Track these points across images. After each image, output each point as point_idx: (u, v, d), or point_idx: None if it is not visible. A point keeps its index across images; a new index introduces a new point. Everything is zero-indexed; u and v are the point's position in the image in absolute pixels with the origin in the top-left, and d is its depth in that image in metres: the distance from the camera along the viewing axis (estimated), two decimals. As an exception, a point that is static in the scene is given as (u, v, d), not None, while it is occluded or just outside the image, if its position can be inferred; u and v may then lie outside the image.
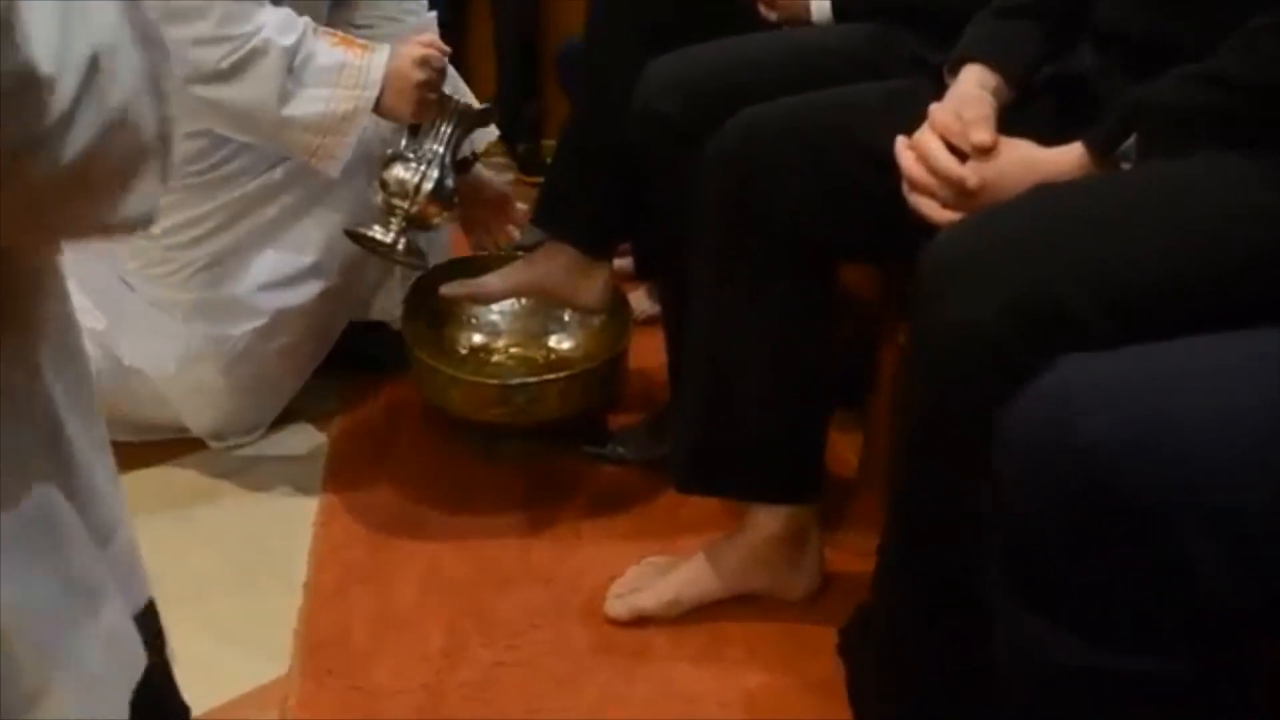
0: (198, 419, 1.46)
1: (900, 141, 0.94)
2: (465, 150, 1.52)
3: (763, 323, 1.09)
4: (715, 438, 1.15)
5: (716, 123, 1.12)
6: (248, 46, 1.22)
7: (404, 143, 1.35)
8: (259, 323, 1.41)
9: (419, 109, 1.32)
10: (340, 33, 1.34)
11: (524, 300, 1.61)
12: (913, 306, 0.77)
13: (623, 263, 1.75)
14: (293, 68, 1.25)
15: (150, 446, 1.47)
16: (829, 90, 1.11)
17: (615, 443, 1.51)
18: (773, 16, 1.39)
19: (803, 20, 1.37)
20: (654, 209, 1.31)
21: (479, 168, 1.55)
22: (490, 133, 1.74)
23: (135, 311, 1.39)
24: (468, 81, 1.83)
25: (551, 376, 1.36)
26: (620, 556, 1.29)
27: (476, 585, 1.25)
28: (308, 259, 1.43)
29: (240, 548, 1.31)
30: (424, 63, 1.32)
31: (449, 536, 1.33)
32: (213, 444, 1.48)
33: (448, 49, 1.40)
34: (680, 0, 1.40)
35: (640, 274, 1.94)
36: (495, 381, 1.35)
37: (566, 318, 1.63)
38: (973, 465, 0.63)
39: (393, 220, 1.33)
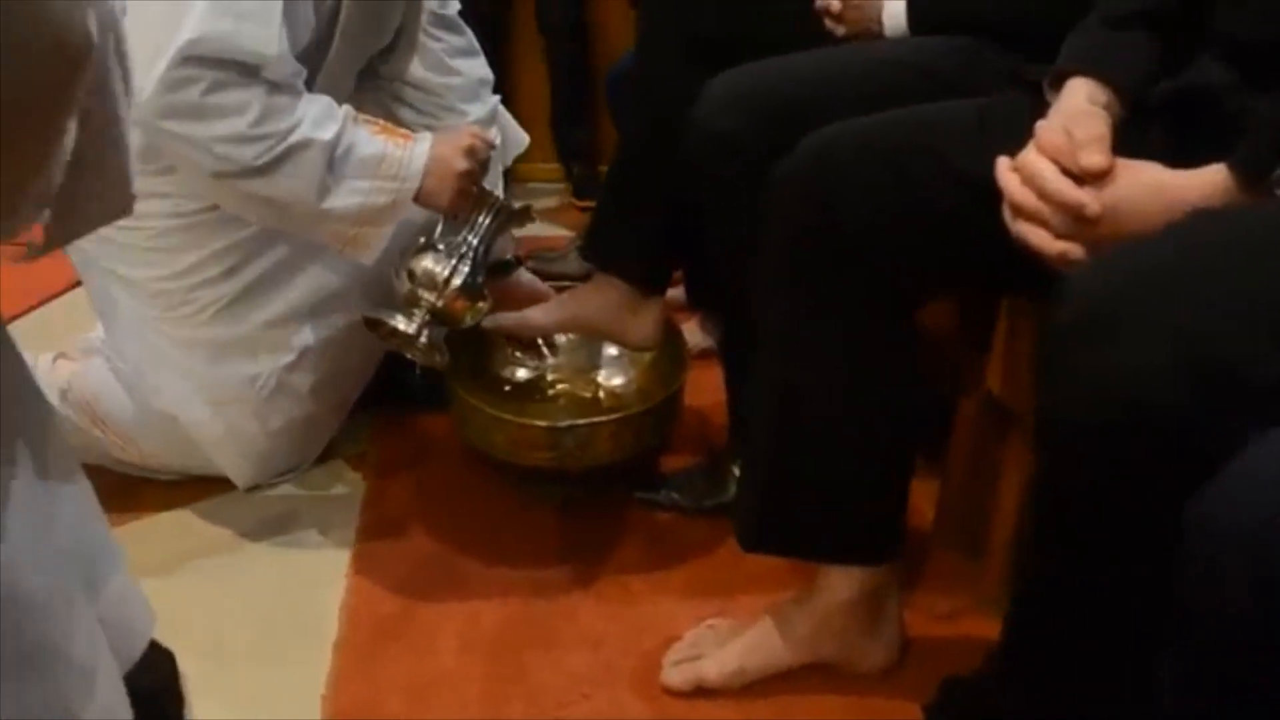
0: (233, 466, 1.37)
1: (1002, 163, 0.83)
2: (507, 251, 1.44)
3: (838, 362, 0.98)
4: (784, 491, 1.04)
5: (784, 143, 1.01)
6: (286, 143, 1.14)
7: (438, 231, 1.27)
8: (287, 359, 1.33)
9: (458, 198, 1.25)
10: (381, 120, 1.27)
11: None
12: (1046, 355, 0.65)
13: (674, 292, 1.65)
14: (332, 161, 1.18)
15: (172, 486, 1.40)
16: (910, 108, 1.00)
17: (669, 488, 1.40)
18: (840, 31, 1.29)
19: (873, 34, 1.26)
20: (712, 237, 1.21)
21: (521, 270, 1.46)
22: (520, 141, 1.66)
23: (162, 355, 1.31)
24: (516, 105, 1.76)
25: (602, 418, 1.26)
26: (676, 617, 1.18)
27: (519, 646, 1.15)
28: (332, 288, 1.35)
29: (267, 600, 1.22)
30: (469, 152, 1.25)
31: (489, 591, 1.23)
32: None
33: (494, 142, 1.34)
34: (734, 16, 1.31)
35: (694, 304, 1.84)
36: (542, 423, 1.25)
37: (616, 352, 1.53)
38: (1127, 550, 0.52)
39: (416, 311, 1.24)
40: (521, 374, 1.54)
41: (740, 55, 1.17)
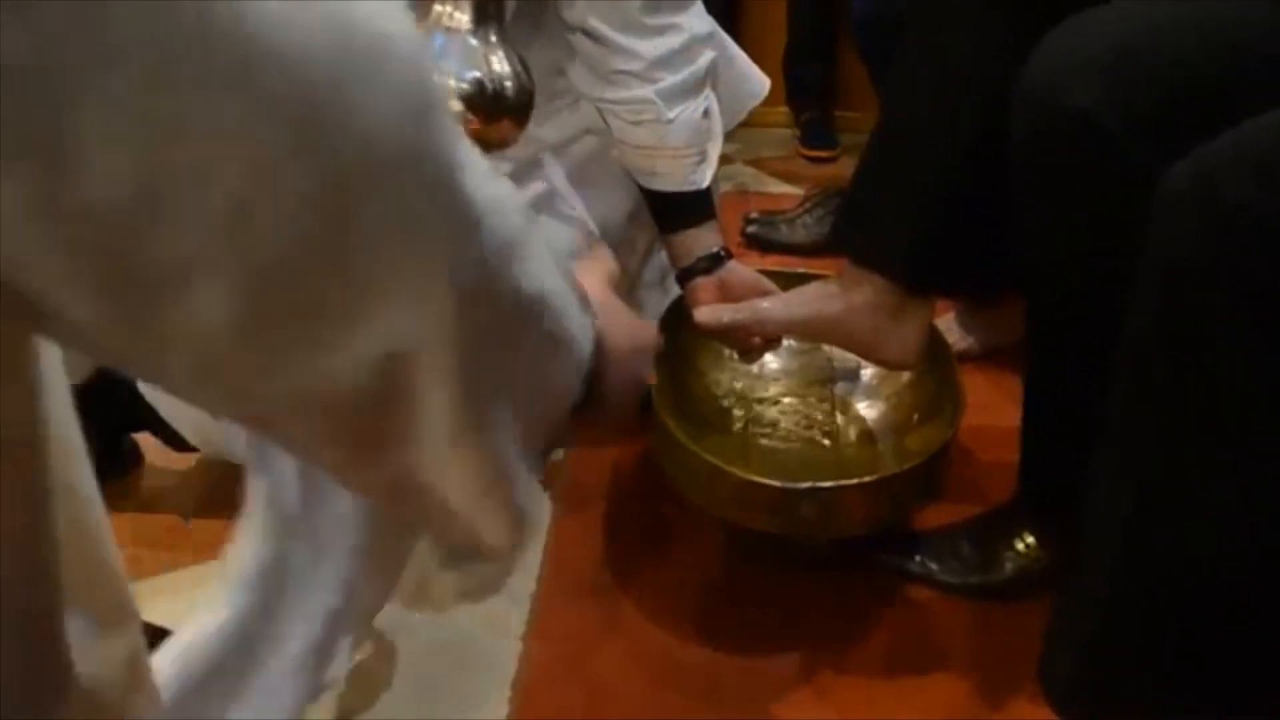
0: None
1: None
2: (713, 245, 1.12)
3: (1270, 472, 0.64)
4: (1132, 638, 0.71)
5: (1178, 128, 0.67)
6: None
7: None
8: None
9: None
10: None
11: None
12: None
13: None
14: None
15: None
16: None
17: (924, 554, 1.09)
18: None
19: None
20: (1035, 234, 0.88)
21: (732, 263, 1.13)
22: (758, 91, 1.32)
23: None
24: (747, 39, 1.43)
25: (853, 481, 0.95)
26: (938, 756, 0.89)
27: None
28: None
29: (420, 676, 1.00)
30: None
31: (692, 686, 0.97)
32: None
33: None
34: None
35: (955, 292, 1.50)
36: (775, 483, 0.95)
37: (859, 361, 1.21)
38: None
39: None
40: (740, 385, 1.25)
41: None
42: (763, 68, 2.25)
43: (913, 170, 1.00)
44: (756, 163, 2.13)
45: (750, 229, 1.77)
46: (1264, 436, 0.63)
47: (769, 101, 2.22)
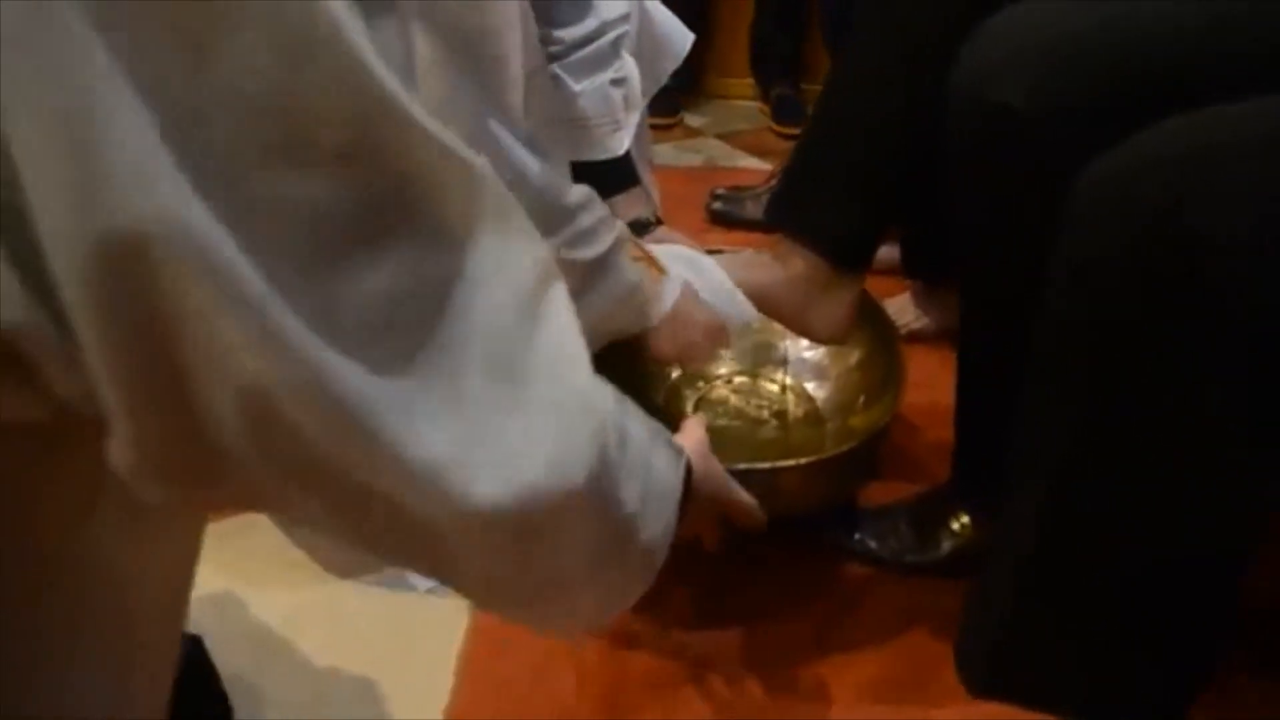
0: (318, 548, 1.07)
1: None
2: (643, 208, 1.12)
3: (1181, 468, 0.66)
4: (1047, 614, 0.74)
5: (1105, 127, 0.68)
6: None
7: None
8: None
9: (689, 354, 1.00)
10: (641, 243, 0.98)
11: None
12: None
13: (886, 251, 1.31)
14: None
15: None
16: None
17: (864, 532, 1.11)
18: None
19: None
20: (961, 224, 0.89)
21: (661, 230, 1.12)
22: (677, 50, 1.30)
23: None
24: (718, 9, 1.41)
25: (790, 463, 0.97)
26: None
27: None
28: None
29: (366, 642, 1.02)
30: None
31: (632, 661, 1.00)
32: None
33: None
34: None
35: (910, 272, 1.51)
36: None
37: (807, 342, 1.23)
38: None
39: None
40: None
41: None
42: (736, 36, 2.22)
43: (851, 146, 1.01)
44: (727, 137, 2.12)
45: (715, 205, 1.77)
46: (1170, 427, 0.65)
47: (736, 73, 2.23)
